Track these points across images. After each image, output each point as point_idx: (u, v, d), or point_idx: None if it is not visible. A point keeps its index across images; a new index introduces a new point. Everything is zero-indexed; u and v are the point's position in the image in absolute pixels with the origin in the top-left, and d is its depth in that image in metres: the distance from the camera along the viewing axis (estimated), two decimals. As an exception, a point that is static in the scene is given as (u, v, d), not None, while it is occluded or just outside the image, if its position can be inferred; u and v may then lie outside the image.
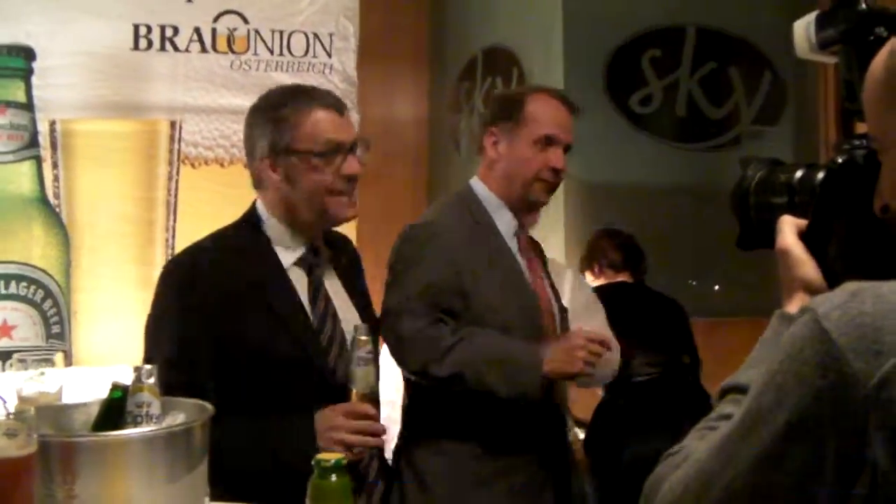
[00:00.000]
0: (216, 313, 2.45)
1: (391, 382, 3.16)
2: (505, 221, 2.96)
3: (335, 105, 2.57)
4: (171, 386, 2.36)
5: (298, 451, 2.34)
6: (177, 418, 2.04)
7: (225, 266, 2.52)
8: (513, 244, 2.96)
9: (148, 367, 2.04)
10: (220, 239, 2.63)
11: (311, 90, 2.61)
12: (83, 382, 4.03)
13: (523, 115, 2.92)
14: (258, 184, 2.61)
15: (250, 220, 2.63)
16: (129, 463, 1.87)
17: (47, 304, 4.36)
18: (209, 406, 2.06)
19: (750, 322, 4.22)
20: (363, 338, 2.43)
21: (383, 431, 2.48)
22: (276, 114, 2.52)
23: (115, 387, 2.05)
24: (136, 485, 1.86)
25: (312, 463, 1.83)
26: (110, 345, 4.37)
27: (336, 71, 4.89)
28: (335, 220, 2.63)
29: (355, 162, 2.55)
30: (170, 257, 4.41)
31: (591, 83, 4.97)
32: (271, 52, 4.77)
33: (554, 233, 4.59)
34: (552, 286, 3.08)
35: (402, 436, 3.01)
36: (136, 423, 1.99)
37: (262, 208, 2.62)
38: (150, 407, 2.00)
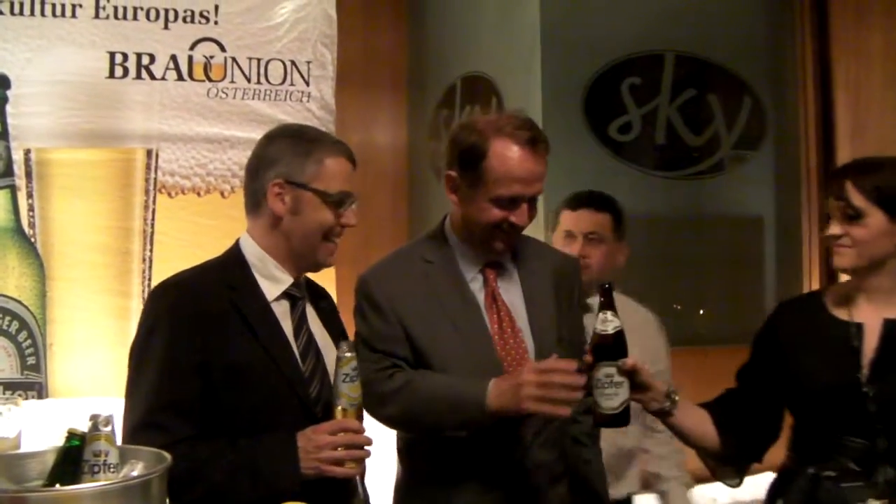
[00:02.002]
0: (204, 337, 2.46)
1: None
2: (468, 259, 2.87)
3: (351, 158, 2.65)
4: (158, 408, 2.40)
5: (280, 473, 2.39)
6: (135, 467, 2.02)
7: (212, 294, 2.54)
8: (476, 283, 2.85)
9: (105, 414, 2.01)
10: (207, 269, 2.66)
11: (330, 136, 2.75)
12: (58, 415, 4.00)
13: (483, 169, 2.73)
14: (254, 208, 2.64)
15: (235, 253, 2.66)
16: (85, 518, 1.83)
17: (22, 335, 4.31)
18: (167, 455, 2.05)
19: (731, 350, 4.20)
20: (348, 354, 2.43)
21: (370, 442, 2.48)
22: (305, 146, 2.59)
23: (72, 435, 2.02)
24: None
25: None
26: (86, 376, 4.35)
27: (314, 99, 4.87)
28: (317, 264, 2.67)
29: (353, 215, 2.64)
30: (146, 288, 4.39)
31: (570, 111, 4.95)
32: (248, 79, 4.75)
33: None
34: (539, 316, 2.89)
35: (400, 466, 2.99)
36: (92, 474, 1.97)
37: (247, 242, 2.65)
38: (107, 456, 1.97)
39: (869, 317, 2.75)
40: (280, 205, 2.57)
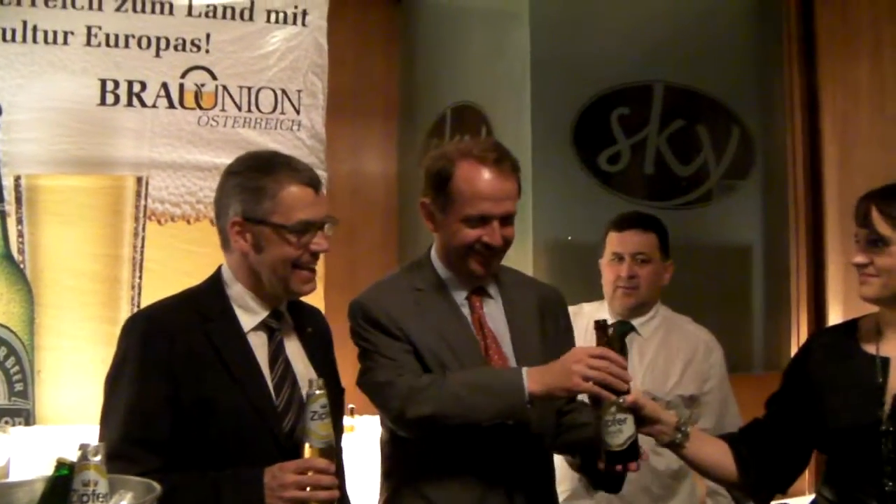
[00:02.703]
0: (174, 371, 2.45)
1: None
2: (455, 285, 2.89)
3: (313, 182, 2.59)
4: (127, 441, 2.38)
5: None
6: (123, 498, 2.01)
7: (185, 325, 2.53)
8: (464, 309, 2.87)
9: (94, 444, 2.00)
10: (182, 299, 2.65)
11: (290, 162, 2.62)
12: (46, 442, 3.99)
13: (451, 191, 2.80)
14: (225, 244, 2.62)
15: (215, 282, 2.64)
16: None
17: (10, 361, 4.31)
18: (156, 485, 2.03)
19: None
20: (317, 392, 2.40)
21: (335, 485, 2.43)
22: (255, 182, 2.54)
23: (61, 464, 2.01)
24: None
25: None
26: (74, 403, 4.33)
27: (304, 127, 4.88)
28: (294, 294, 2.64)
29: (324, 240, 2.59)
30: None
31: (559, 141, 4.96)
32: (239, 108, 4.76)
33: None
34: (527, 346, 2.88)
35: (385, 487, 2.96)
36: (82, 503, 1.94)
37: (226, 271, 2.64)
38: (96, 486, 1.96)
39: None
40: (242, 242, 2.56)
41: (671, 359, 3.69)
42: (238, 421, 2.47)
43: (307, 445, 2.40)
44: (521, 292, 2.96)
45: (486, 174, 2.77)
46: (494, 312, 2.90)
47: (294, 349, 2.67)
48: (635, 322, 3.77)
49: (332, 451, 2.44)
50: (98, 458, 1.97)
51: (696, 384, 3.71)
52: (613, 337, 2.59)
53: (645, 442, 2.67)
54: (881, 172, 5.04)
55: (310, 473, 2.39)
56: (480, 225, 2.77)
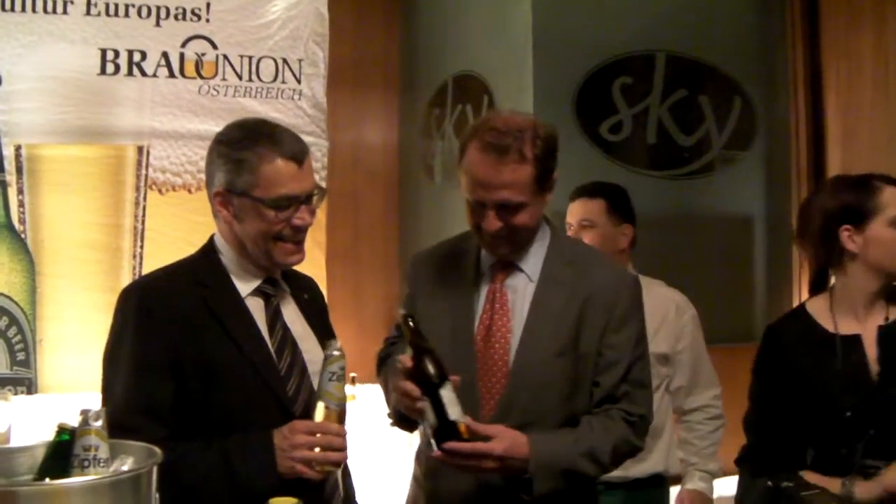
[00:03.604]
0: (174, 338, 2.43)
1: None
2: (488, 255, 2.82)
3: (296, 156, 2.52)
4: (131, 410, 2.37)
5: (255, 472, 2.36)
6: (125, 462, 2.00)
7: (181, 293, 2.51)
8: (487, 279, 2.81)
9: (95, 409, 2.00)
10: (176, 268, 2.63)
11: (275, 133, 2.54)
12: (48, 410, 4.00)
13: (461, 168, 2.72)
14: (214, 213, 2.60)
15: (208, 250, 2.63)
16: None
17: (12, 331, 4.32)
18: (158, 450, 2.03)
19: (722, 350, 4.21)
20: (336, 353, 2.40)
21: (345, 447, 2.43)
22: (237, 154, 2.50)
23: (62, 429, 2.01)
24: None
25: None
26: (76, 372, 4.34)
27: (305, 97, 4.87)
28: (279, 265, 2.61)
29: (306, 214, 2.54)
30: (130, 285, 4.38)
31: (562, 110, 4.95)
32: (240, 77, 4.76)
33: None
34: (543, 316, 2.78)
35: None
36: (82, 468, 1.95)
37: (218, 238, 2.62)
38: (97, 450, 1.96)
39: (864, 327, 2.81)
40: (225, 212, 2.53)
41: None
42: (242, 385, 2.46)
43: (321, 406, 2.40)
44: (572, 273, 2.80)
45: (482, 159, 2.65)
46: (520, 287, 2.80)
47: (292, 314, 2.66)
48: None
49: (345, 414, 2.44)
50: (99, 422, 1.97)
51: (668, 343, 3.76)
52: (415, 331, 2.55)
53: None
54: (884, 144, 5.03)
55: (319, 435, 2.38)
56: (479, 210, 2.70)
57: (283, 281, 2.67)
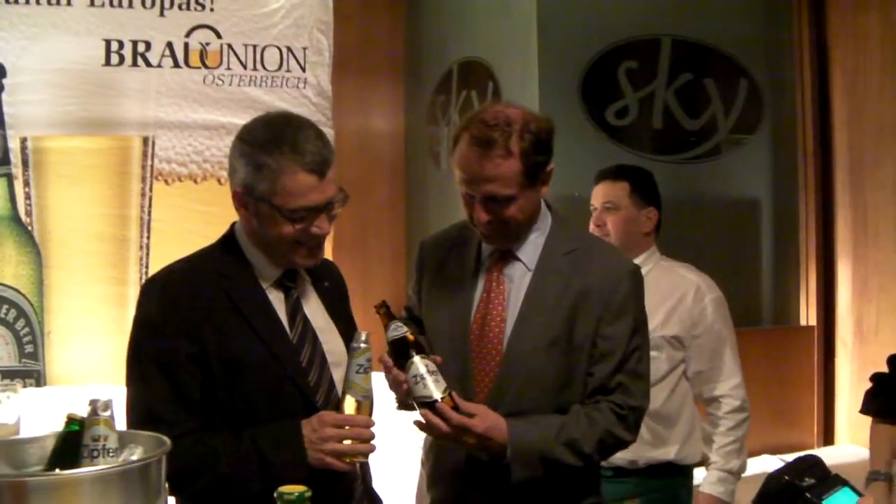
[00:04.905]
0: (198, 331, 2.42)
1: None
2: (485, 244, 2.82)
3: (319, 167, 2.46)
4: (163, 403, 2.38)
5: (287, 463, 2.36)
6: (134, 452, 2.01)
7: (204, 284, 2.50)
8: (486, 265, 2.81)
9: (104, 399, 2.00)
10: (198, 258, 2.61)
11: (297, 141, 2.45)
12: (57, 402, 4.00)
13: (452, 163, 2.73)
14: (236, 207, 2.57)
15: (229, 240, 2.60)
16: (82, 502, 1.82)
17: (20, 323, 4.32)
18: (167, 439, 2.03)
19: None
20: (363, 345, 2.41)
21: (373, 437, 2.43)
22: (258, 158, 2.44)
23: (71, 420, 2.01)
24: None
25: (275, 496, 1.79)
26: (84, 364, 4.36)
27: (310, 85, 4.86)
28: (295, 265, 2.59)
29: (325, 223, 2.51)
30: (144, 276, 4.39)
31: (567, 96, 4.94)
32: (245, 66, 4.74)
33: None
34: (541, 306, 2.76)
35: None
36: (92, 458, 1.96)
37: (239, 230, 2.60)
38: (106, 440, 1.97)
39: None
40: (244, 211, 2.51)
41: (657, 301, 3.67)
42: (264, 377, 2.46)
43: (349, 398, 2.41)
44: (571, 262, 2.77)
45: (467, 152, 2.65)
46: (517, 277, 2.79)
47: (313, 304, 2.64)
48: None
49: (372, 405, 2.44)
50: (108, 412, 1.97)
51: (681, 326, 3.70)
52: (388, 314, 2.55)
53: None
54: (891, 126, 5.02)
55: (348, 428, 2.39)
56: (470, 201, 2.69)
57: (303, 271, 2.65)
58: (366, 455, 2.46)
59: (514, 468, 2.59)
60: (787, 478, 2.80)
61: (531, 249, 2.80)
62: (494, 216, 2.67)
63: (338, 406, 2.45)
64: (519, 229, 2.75)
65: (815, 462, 2.94)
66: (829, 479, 2.79)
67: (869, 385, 3.18)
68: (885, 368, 3.14)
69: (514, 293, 2.77)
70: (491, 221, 2.67)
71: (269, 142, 2.45)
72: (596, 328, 2.72)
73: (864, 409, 3.17)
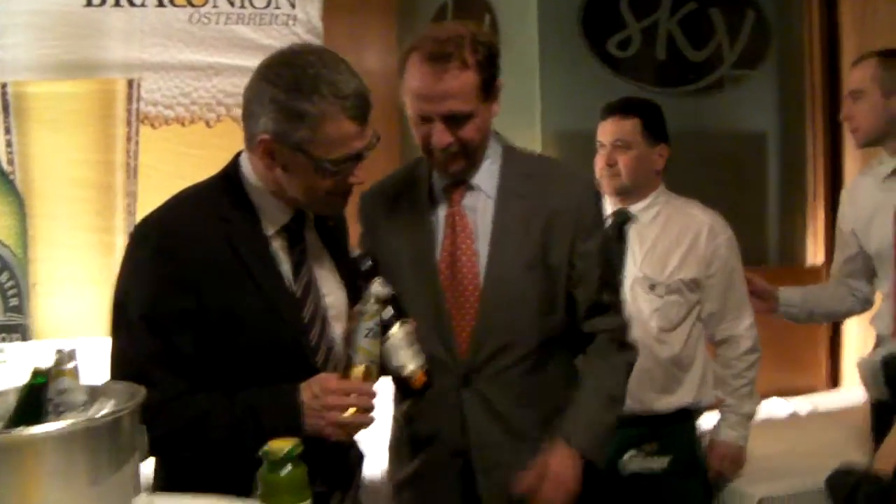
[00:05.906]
0: (195, 282, 2.25)
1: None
2: (439, 178, 2.76)
3: (363, 112, 2.32)
4: (148, 363, 2.22)
5: (283, 429, 2.15)
6: (105, 405, 1.86)
7: (202, 230, 2.31)
8: (443, 202, 2.75)
9: (69, 349, 1.88)
10: (197, 199, 2.40)
11: (337, 84, 2.27)
12: (44, 357, 3.90)
13: (403, 84, 2.66)
14: (249, 143, 2.36)
15: (232, 176, 2.41)
16: (45, 463, 1.68)
17: (4, 276, 4.27)
18: (140, 388, 1.90)
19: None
20: (374, 307, 2.31)
21: (374, 409, 2.32)
22: (294, 105, 2.24)
23: (37, 372, 1.86)
24: (53, 487, 1.67)
25: (260, 454, 1.66)
26: (72, 316, 4.30)
27: (300, 22, 4.78)
28: (320, 213, 2.47)
29: (362, 171, 2.37)
30: (131, 224, 4.29)
31: (567, 27, 4.81)
32: (232, 3, 4.66)
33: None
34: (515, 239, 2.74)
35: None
36: (58, 413, 1.83)
37: (246, 164, 2.40)
38: (73, 394, 1.84)
39: None
40: (269, 160, 2.30)
41: (671, 244, 3.65)
42: (264, 334, 2.30)
43: (359, 365, 2.29)
44: (534, 186, 2.75)
45: (420, 70, 2.59)
46: (479, 205, 2.74)
47: (316, 250, 2.48)
48: (633, 208, 3.72)
49: (378, 372, 2.33)
50: (73, 363, 1.85)
51: (697, 268, 3.64)
52: (370, 272, 2.44)
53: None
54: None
55: (354, 397, 2.27)
56: (425, 124, 2.62)
57: (310, 212, 2.48)
58: (366, 426, 2.32)
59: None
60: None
61: (487, 177, 2.76)
62: (455, 139, 2.61)
63: (337, 369, 2.34)
64: (476, 153, 2.71)
65: None
66: None
67: None
68: None
69: (481, 223, 2.73)
70: (452, 144, 2.62)
71: (306, 86, 2.25)
72: (571, 248, 2.71)
73: None
